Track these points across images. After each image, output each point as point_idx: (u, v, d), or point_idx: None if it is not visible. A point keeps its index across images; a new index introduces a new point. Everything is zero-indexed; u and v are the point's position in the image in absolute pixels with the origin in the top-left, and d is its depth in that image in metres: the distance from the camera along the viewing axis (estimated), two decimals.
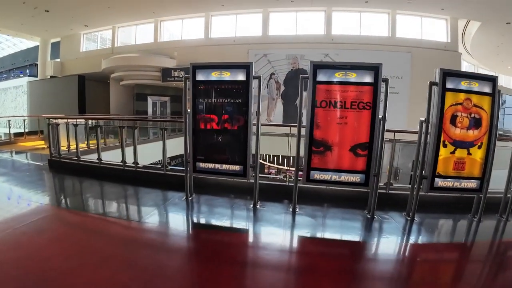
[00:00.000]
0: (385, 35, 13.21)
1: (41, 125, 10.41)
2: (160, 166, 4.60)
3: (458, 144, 3.07)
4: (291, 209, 3.42)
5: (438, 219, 3.52)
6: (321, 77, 3.12)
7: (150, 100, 15.94)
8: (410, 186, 3.43)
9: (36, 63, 19.02)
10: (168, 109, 16.55)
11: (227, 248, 2.62)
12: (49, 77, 17.72)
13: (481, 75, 3.22)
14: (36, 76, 18.95)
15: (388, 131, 3.33)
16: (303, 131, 3.27)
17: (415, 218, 3.24)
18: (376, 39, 13.01)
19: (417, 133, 3.30)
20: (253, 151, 3.45)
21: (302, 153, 3.29)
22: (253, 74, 3.28)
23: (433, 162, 3.08)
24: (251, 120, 3.33)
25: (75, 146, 5.51)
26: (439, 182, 3.14)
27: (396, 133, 3.94)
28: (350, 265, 2.43)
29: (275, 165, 13.69)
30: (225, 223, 3.15)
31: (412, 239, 2.95)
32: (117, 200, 3.87)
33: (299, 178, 3.38)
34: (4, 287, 1.86)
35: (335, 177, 3.22)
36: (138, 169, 4.68)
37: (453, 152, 3.09)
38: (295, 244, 2.88)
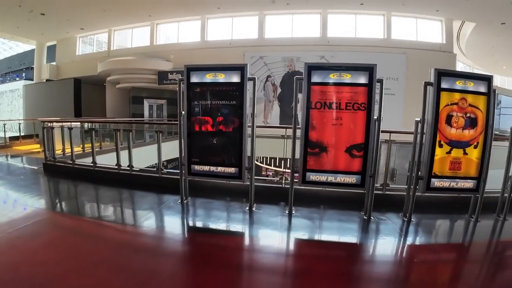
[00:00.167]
0: (381, 37, 13.31)
1: (37, 129, 10.32)
2: (155, 169, 4.56)
3: (454, 144, 3.06)
4: (287, 211, 3.40)
5: (435, 220, 3.51)
6: (315, 78, 3.10)
7: (146, 103, 15.84)
8: (406, 186, 3.42)
9: (32, 66, 18.97)
10: (164, 112, 16.45)
11: (223, 251, 2.59)
12: (45, 80, 17.63)
13: (476, 75, 3.23)
14: (32, 80, 18.88)
15: (383, 131, 3.32)
16: (298, 132, 3.25)
17: (412, 219, 3.23)
18: (372, 41, 13.10)
19: (412, 133, 3.29)
20: (249, 153, 3.42)
21: (297, 154, 3.27)
22: (248, 76, 3.25)
23: (429, 162, 3.06)
24: (246, 122, 3.30)
25: (70, 149, 5.48)
26: (436, 183, 3.12)
27: (391, 134, 3.95)
28: (347, 267, 2.41)
29: (272, 167, 13.68)
30: (221, 226, 3.11)
31: (409, 240, 2.92)
32: (111, 203, 3.83)
33: (295, 180, 3.36)
34: None
35: (331, 178, 3.20)
36: (133, 172, 4.63)
37: (449, 152, 3.07)
38: (291, 246, 2.85)
